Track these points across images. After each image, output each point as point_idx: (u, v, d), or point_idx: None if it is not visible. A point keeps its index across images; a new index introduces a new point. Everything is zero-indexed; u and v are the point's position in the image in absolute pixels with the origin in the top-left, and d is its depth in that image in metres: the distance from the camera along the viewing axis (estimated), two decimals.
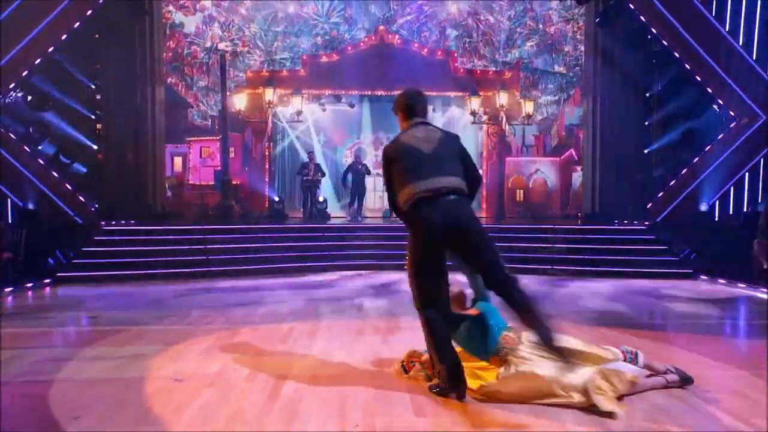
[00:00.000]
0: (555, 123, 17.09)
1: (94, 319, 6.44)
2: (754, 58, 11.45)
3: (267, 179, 16.30)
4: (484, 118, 16.16)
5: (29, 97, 11.53)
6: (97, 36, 12.51)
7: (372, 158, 16.02)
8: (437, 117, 16.58)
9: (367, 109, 16.43)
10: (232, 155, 15.01)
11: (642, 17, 11.91)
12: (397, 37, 16.38)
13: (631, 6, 11.99)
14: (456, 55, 16.63)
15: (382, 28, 16.38)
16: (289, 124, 16.62)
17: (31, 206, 10.70)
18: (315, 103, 16.41)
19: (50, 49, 10.98)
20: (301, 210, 14.63)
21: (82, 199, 11.24)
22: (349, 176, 14.46)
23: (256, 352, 4.79)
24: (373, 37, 16.21)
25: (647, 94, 13.18)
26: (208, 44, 16.52)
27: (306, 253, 10.82)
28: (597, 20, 13.45)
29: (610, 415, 3.16)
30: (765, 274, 8.76)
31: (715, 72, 11.30)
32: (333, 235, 11.62)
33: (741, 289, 8.53)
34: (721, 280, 9.10)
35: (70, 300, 7.68)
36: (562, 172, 16.26)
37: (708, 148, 11.72)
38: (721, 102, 11.58)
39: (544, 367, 3.43)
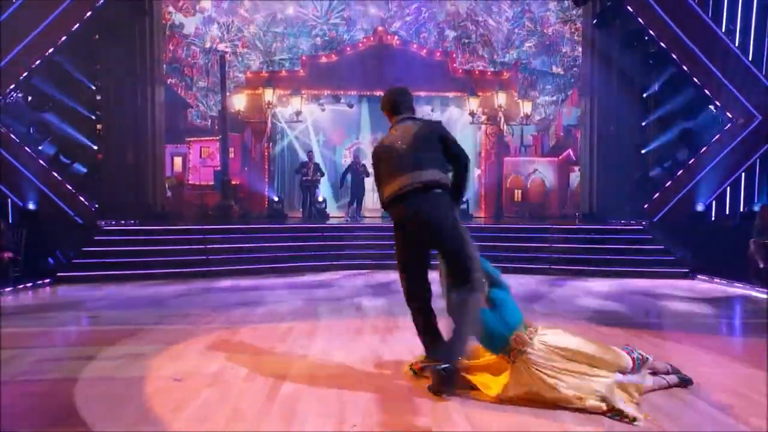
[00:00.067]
0: (553, 123, 17.12)
1: (94, 319, 6.45)
2: (750, 59, 11.48)
3: (266, 179, 16.34)
4: (483, 118, 16.22)
5: (29, 98, 11.54)
6: (97, 37, 12.51)
7: (371, 158, 16.01)
8: (436, 117, 16.62)
9: (366, 109, 16.48)
10: (231, 155, 15.04)
11: (639, 18, 11.91)
12: (395, 37, 16.43)
13: (628, 7, 12.00)
14: (454, 55, 16.70)
15: (380, 28, 16.42)
16: (289, 125, 16.65)
17: (31, 206, 10.70)
18: (314, 103, 16.45)
19: (50, 50, 10.96)
20: (301, 210, 14.67)
21: (82, 199, 11.23)
22: (348, 177, 14.51)
23: (256, 352, 4.80)
24: (372, 38, 16.25)
25: (644, 95, 13.19)
26: (208, 45, 16.55)
27: (305, 252, 10.84)
28: (594, 21, 13.48)
29: (633, 420, 3.14)
30: (761, 274, 8.82)
31: (712, 73, 11.32)
32: (332, 235, 11.64)
33: (737, 289, 8.55)
34: (718, 280, 9.12)
35: (70, 300, 7.67)
36: (560, 172, 16.29)
37: (704, 148, 11.73)
38: (717, 103, 11.59)
39: (558, 379, 3.36)
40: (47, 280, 8.92)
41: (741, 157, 11.41)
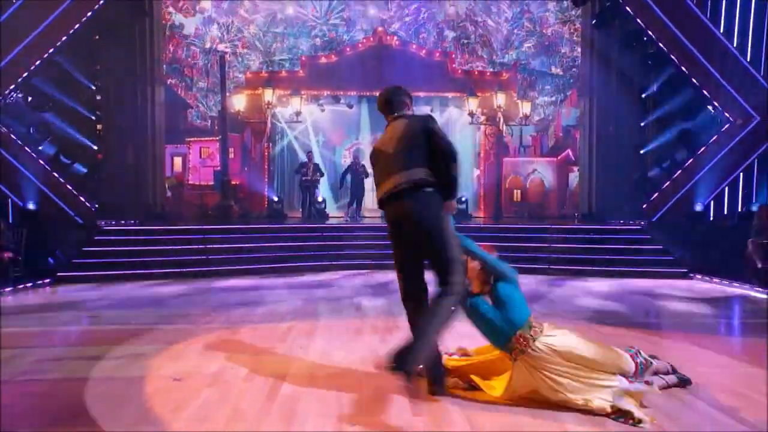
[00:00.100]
0: (552, 124, 17.15)
1: (94, 319, 6.47)
2: (748, 60, 11.50)
3: (266, 179, 16.36)
4: (482, 118, 16.24)
5: (30, 98, 11.56)
6: (97, 37, 12.54)
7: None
8: (435, 117, 16.63)
9: (366, 109, 16.51)
10: (231, 156, 15.05)
11: (638, 19, 11.93)
12: (395, 38, 16.45)
13: (627, 8, 12.03)
14: (454, 56, 16.73)
15: (380, 29, 16.44)
16: (288, 125, 16.67)
17: (31, 206, 10.70)
18: (314, 103, 16.47)
19: (50, 50, 10.97)
20: (300, 210, 14.69)
21: (82, 199, 11.23)
22: (348, 177, 14.53)
23: (255, 352, 4.82)
24: (372, 39, 16.26)
25: (643, 95, 13.22)
26: (208, 45, 16.57)
27: (305, 252, 10.85)
28: (593, 22, 13.52)
29: (638, 422, 3.13)
30: (759, 273, 8.85)
31: (710, 74, 11.33)
32: (332, 235, 11.65)
33: (736, 288, 8.58)
34: (716, 280, 9.15)
35: (70, 299, 7.68)
36: (559, 173, 16.31)
37: (703, 148, 11.74)
38: (716, 103, 11.60)
39: (560, 381, 3.36)
40: (47, 280, 8.94)
41: (739, 158, 11.43)
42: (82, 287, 8.60)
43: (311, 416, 3.35)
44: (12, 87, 10.77)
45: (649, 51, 12.62)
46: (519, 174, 16.32)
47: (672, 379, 3.72)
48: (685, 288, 8.71)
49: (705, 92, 11.60)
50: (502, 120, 15.98)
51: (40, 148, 11.23)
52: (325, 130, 17.13)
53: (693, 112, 12.21)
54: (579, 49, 15.64)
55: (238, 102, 15.59)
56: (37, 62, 10.86)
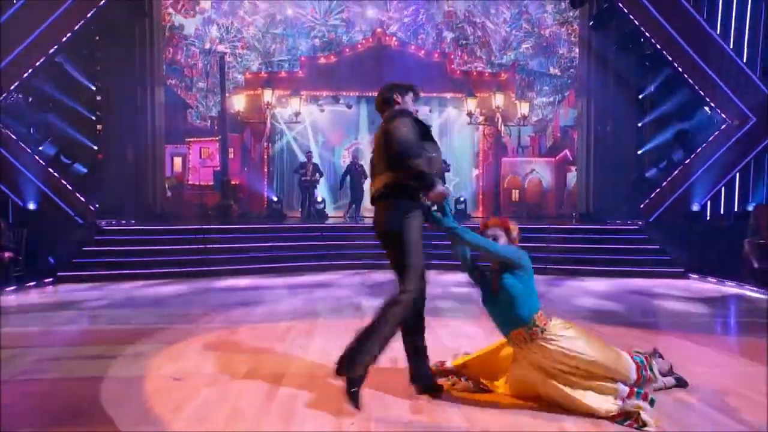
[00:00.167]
0: (550, 124, 17.20)
1: (94, 318, 6.49)
2: (744, 61, 11.55)
3: (266, 179, 16.41)
4: (481, 119, 16.30)
5: (30, 98, 11.60)
6: (97, 38, 12.60)
7: (369, 159, 16.02)
8: (434, 117, 16.72)
9: (365, 110, 16.55)
10: (231, 156, 15.09)
11: (635, 21, 11.97)
12: (394, 39, 16.50)
13: (624, 9, 12.07)
14: (452, 57, 16.78)
15: (379, 30, 16.49)
16: (288, 125, 16.72)
17: (32, 206, 10.71)
18: (313, 104, 16.52)
19: (51, 51, 10.98)
20: (300, 210, 14.74)
21: (82, 199, 11.24)
22: (348, 178, 14.57)
23: (255, 351, 4.83)
24: (371, 39, 16.31)
25: (640, 96, 13.29)
26: (208, 46, 16.61)
27: (304, 252, 10.86)
28: (591, 23, 13.59)
29: (643, 425, 3.11)
30: (755, 273, 8.89)
31: (707, 75, 11.37)
32: (331, 235, 11.67)
33: (732, 288, 8.61)
34: (713, 279, 9.18)
35: (70, 299, 7.69)
36: (557, 173, 16.36)
37: (700, 149, 11.79)
38: (712, 104, 11.64)
39: (559, 381, 3.35)
40: (48, 280, 8.96)
41: (735, 158, 11.47)
42: (82, 287, 8.61)
43: (310, 416, 3.36)
44: (12, 87, 10.77)
45: (646, 52, 12.66)
46: (517, 174, 16.37)
47: (670, 380, 3.71)
48: (682, 287, 8.74)
49: (701, 93, 11.64)
50: (500, 120, 16.04)
51: (40, 148, 11.24)
52: (325, 130, 17.17)
53: (690, 112, 12.27)
54: (577, 50, 15.72)
55: (238, 102, 15.64)
56: (38, 63, 10.85)
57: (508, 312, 3.43)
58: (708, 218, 11.99)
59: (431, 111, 16.47)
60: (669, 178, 12.02)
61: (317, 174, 14.28)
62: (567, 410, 3.30)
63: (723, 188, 11.90)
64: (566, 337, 3.36)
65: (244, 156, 16.26)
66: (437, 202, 3.54)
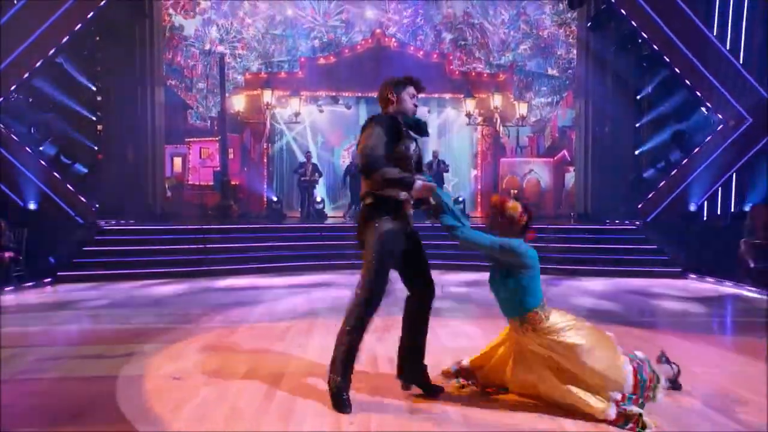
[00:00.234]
0: (548, 125, 17.24)
1: (94, 318, 6.51)
2: (741, 62, 11.60)
3: (265, 180, 16.45)
4: (479, 119, 16.34)
5: (31, 99, 11.64)
6: (98, 38, 12.66)
7: None
8: (433, 118, 16.76)
9: (364, 110, 16.53)
10: (231, 156, 15.12)
11: (633, 22, 12.01)
12: (393, 40, 16.55)
13: (622, 11, 12.11)
14: (451, 57, 16.83)
15: (378, 31, 16.53)
16: (287, 126, 16.76)
17: (32, 206, 10.73)
18: (312, 104, 16.57)
19: (51, 52, 11.01)
20: (299, 210, 14.78)
21: (82, 199, 11.27)
22: (348, 178, 14.60)
23: (254, 351, 4.85)
24: (370, 40, 16.35)
25: (638, 97, 13.35)
26: (207, 47, 16.65)
27: (304, 252, 10.90)
28: (589, 24, 13.64)
29: (644, 427, 3.09)
30: (752, 273, 8.95)
31: (704, 76, 11.40)
32: (330, 235, 11.69)
33: (729, 288, 8.65)
34: (710, 279, 9.22)
35: (70, 299, 7.71)
36: (555, 173, 16.39)
37: (697, 149, 11.83)
38: (709, 105, 11.69)
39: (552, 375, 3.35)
40: (48, 279, 8.99)
41: (732, 158, 11.51)
42: (82, 287, 8.64)
43: (309, 415, 3.37)
44: (13, 88, 10.80)
45: (643, 53, 12.72)
46: (516, 174, 16.39)
47: (664, 384, 3.63)
48: (679, 287, 8.76)
49: (699, 94, 11.68)
50: (499, 121, 16.12)
51: (40, 148, 11.27)
52: (324, 130, 17.20)
53: (687, 113, 12.31)
54: (575, 51, 15.76)
55: (238, 103, 15.68)
56: (38, 63, 10.88)
57: (512, 298, 3.44)
58: (705, 218, 12.03)
59: (430, 111, 16.50)
60: (666, 179, 12.06)
61: (316, 174, 14.33)
62: (565, 409, 3.31)
63: (720, 188, 11.94)
64: (567, 328, 3.36)
65: (244, 156, 16.29)
66: (426, 198, 3.51)
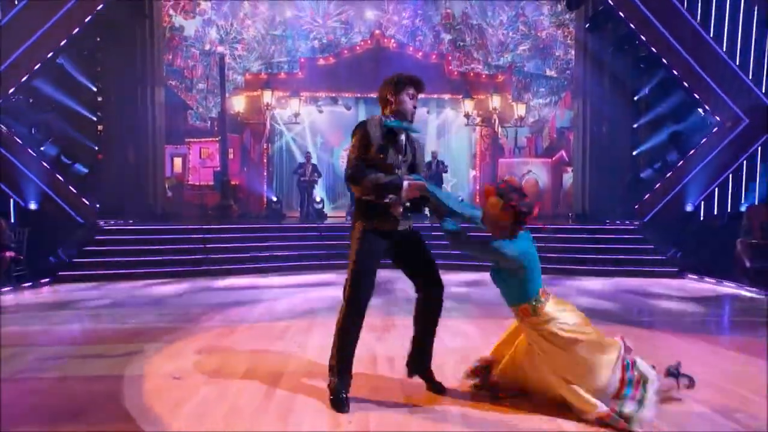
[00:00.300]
0: (546, 125, 17.26)
1: (95, 318, 6.52)
2: (737, 64, 11.66)
3: (265, 180, 16.49)
4: (478, 120, 16.37)
5: (32, 99, 11.67)
6: (98, 39, 12.70)
7: None
8: (432, 119, 16.82)
9: (363, 111, 16.57)
10: (231, 156, 15.15)
11: (630, 23, 12.07)
12: (392, 40, 16.59)
13: (620, 12, 12.16)
14: (450, 58, 16.87)
15: (377, 32, 16.58)
16: (287, 126, 16.80)
17: (33, 206, 10.78)
18: (312, 105, 16.61)
19: (52, 52, 11.05)
20: (299, 210, 14.83)
21: (83, 199, 11.31)
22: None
23: (254, 350, 4.88)
24: (369, 41, 16.40)
25: (635, 98, 13.43)
26: (208, 47, 16.68)
27: (303, 252, 10.91)
28: (587, 26, 13.68)
29: (629, 420, 3.11)
30: (748, 273, 9.01)
31: (701, 77, 11.47)
32: (330, 235, 11.70)
33: (726, 287, 8.69)
34: (707, 279, 9.26)
35: (70, 298, 7.73)
36: (554, 173, 16.42)
37: (693, 150, 11.91)
38: (706, 106, 11.76)
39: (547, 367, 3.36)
40: (48, 279, 9.02)
41: (728, 159, 11.57)
42: (83, 286, 8.67)
43: (308, 414, 3.39)
44: (14, 88, 10.84)
45: (641, 54, 12.77)
46: (514, 174, 16.42)
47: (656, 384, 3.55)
48: (676, 287, 8.80)
49: (695, 95, 11.75)
50: (497, 121, 16.17)
51: (41, 148, 11.31)
52: (323, 131, 17.23)
53: (684, 114, 12.39)
54: (573, 53, 15.80)
55: (238, 103, 15.73)
56: (39, 64, 10.92)
57: (511, 291, 3.46)
58: (702, 218, 12.09)
59: (429, 112, 16.55)
60: (663, 179, 12.12)
61: (315, 174, 14.37)
62: (558, 401, 3.31)
63: (716, 189, 12.00)
64: (561, 318, 3.36)
65: (244, 156, 16.32)
66: (416, 198, 3.50)
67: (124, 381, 4.02)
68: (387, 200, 3.48)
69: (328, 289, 8.46)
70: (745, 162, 11.71)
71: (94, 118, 12.92)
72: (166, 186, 14.94)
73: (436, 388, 3.74)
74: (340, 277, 9.38)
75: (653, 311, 7.17)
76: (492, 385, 3.67)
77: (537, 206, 3.51)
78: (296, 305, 7.15)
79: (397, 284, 7.77)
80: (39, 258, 9.61)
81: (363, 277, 3.56)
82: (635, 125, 13.49)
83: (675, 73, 11.80)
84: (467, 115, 15.78)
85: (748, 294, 8.19)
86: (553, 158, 16.86)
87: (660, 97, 12.68)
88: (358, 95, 16.21)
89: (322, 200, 15.20)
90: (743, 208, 10.78)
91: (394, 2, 17.23)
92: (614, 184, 13.23)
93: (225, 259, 10.26)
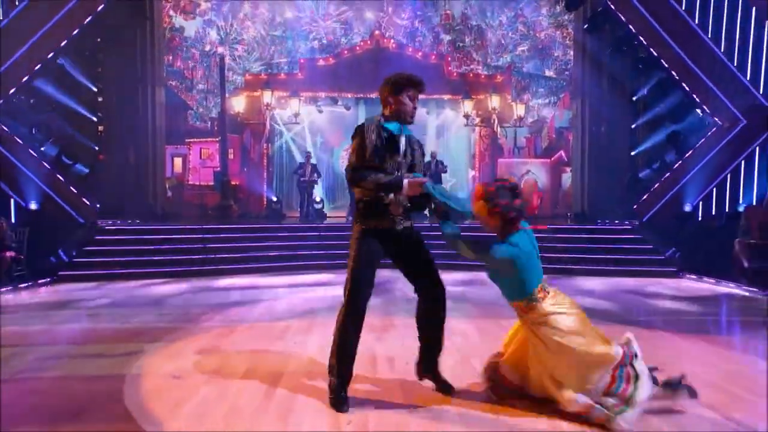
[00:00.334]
0: (545, 125, 17.30)
1: (95, 317, 6.54)
2: (735, 65, 11.68)
3: (265, 180, 16.52)
4: (477, 120, 16.42)
5: (32, 100, 11.70)
6: (99, 40, 12.72)
7: None
8: (431, 119, 16.85)
9: (363, 111, 16.62)
10: (231, 156, 15.20)
11: (628, 24, 12.08)
12: (392, 41, 16.62)
13: (618, 13, 12.17)
14: (449, 59, 16.91)
15: (377, 32, 16.62)
16: (287, 126, 16.84)
17: (33, 206, 10.79)
18: (312, 105, 16.64)
19: (53, 53, 11.08)
20: (298, 210, 14.86)
21: (83, 199, 11.31)
22: None
23: (253, 350, 4.89)
24: (369, 42, 16.44)
25: (634, 98, 13.46)
26: (208, 48, 16.72)
27: (303, 252, 10.93)
28: (585, 26, 13.70)
29: (611, 420, 3.11)
30: (746, 273, 9.03)
31: (699, 78, 11.48)
32: (329, 235, 11.71)
33: (723, 287, 8.71)
34: (705, 279, 9.28)
35: (70, 298, 7.74)
36: (552, 173, 16.45)
37: (692, 150, 11.93)
38: (704, 107, 11.78)
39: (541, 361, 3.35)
40: (49, 279, 9.03)
41: (727, 159, 11.58)
42: (83, 286, 8.68)
43: (308, 414, 3.40)
44: (15, 89, 10.85)
45: (639, 55, 12.79)
46: (513, 175, 16.44)
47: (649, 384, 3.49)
48: (674, 287, 8.82)
49: (694, 96, 11.77)
50: (496, 122, 16.23)
51: (42, 148, 11.31)
52: (323, 131, 17.27)
53: (682, 114, 12.40)
54: (571, 53, 15.85)
55: (238, 104, 15.77)
56: (40, 64, 10.94)
57: (508, 288, 3.48)
58: (700, 218, 12.09)
59: (428, 113, 16.59)
60: (662, 179, 12.13)
61: (315, 175, 14.40)
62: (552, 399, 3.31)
63: (714, 189, 12.00)
64: (556, 313, 3.34)
65: (244, 157, 16.36)
66: (417, 196, 3.48)
67: (124, 381, 4.02)
68: (387, 201, 3.52)
69: (328, 289, 8.46)
70: (743, 162, 11.72)
71: (95, 119, 12.94)
72: (167, 186, 14.98)
73: (445, 388, 3.75)
74: (339, 277, 9.42)
75: (652, 311, 7.18)
76: (500, 377, 3.62)
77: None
78: (296, 305, 7.16)
79: (396, 284, 7.79)
80: (39, 258, 9.63)
81: (362, 278, 3.58)
82: (634, 126, 13.52)
83: (673, 73, 11.83)
84: (466, 116, 15.83)
85: (747, 294, 8.22)
86: (552, 158, 16.90)
87: (658, 97, 12.71)
88: (358, 95, 16.26)
89: (321, 200, 15.25)
90: (741, 209, 10.80)
91: (393, 3, 17.26)
92: (613, 184, 13.26)
93: (225, 259, 10.26)
